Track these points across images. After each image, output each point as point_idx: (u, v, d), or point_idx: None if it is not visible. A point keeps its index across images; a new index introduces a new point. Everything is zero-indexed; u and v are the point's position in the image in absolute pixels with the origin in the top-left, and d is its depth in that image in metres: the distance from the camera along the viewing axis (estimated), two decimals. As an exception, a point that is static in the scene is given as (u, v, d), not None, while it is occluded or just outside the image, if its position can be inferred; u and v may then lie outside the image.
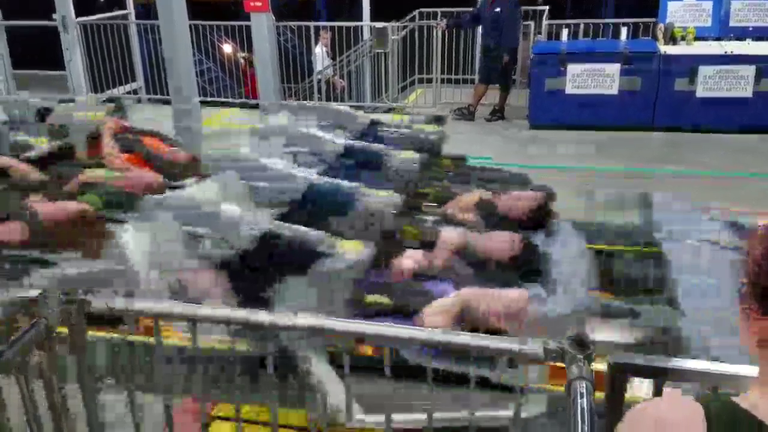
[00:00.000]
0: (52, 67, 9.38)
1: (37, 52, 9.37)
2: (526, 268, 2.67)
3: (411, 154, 3.76)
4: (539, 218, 3.03)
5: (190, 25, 7.80)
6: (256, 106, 9.04)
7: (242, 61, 10.25)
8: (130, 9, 9.64)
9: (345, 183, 3.31)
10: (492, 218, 3.07)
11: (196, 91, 7.90)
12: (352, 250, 2.64)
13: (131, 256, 2.70)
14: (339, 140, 3.91)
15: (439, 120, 4.51)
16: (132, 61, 9.51)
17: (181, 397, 2.16)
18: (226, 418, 2.48)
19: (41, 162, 3.98)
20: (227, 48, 10.03)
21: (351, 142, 3.96)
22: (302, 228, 2.80)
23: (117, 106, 4.82)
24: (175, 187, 3.68)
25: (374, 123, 4.33)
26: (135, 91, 9.51)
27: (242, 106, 9.44)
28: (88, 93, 9.06)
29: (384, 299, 2.51)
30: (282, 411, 2.10)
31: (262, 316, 1.85)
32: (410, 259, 2.69)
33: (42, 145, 4.19)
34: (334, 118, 4.30)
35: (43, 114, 4.62)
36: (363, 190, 3.20)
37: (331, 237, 2.74)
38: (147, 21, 9.35)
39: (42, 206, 3.29)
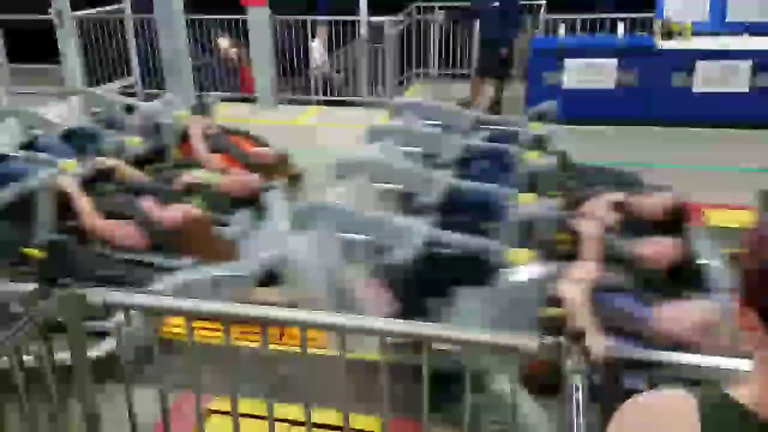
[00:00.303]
0: (48, 60, 9.33)
1: (33, 46, 9.31)
2: (686, 275, 2.55)
3: (540, 155, 3.58)
4: (677, 221, 2.87)
5: (186, 19, 7.78)
6: (252, 100, 9.01)
7: (233, 56, 10.15)
8: (126, 3, 9.58)
9: (488, 186, 3.13)
10: (628, 221, 2.92)
11: (193, 87, 7.89)
12: (525, 261, 2.50)
13: (299, 260, 2.59)
14: (457, 140, 3.74)
15: (542, 118, 4.40)
16: (128, 55, 9.46)
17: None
18: (223, 412, 2.48)
19: (138, 162, 3.98)
20: (223, 42, 9.95)
21: (468, 141, 3.79)
22: (467, 237, 2.65)
23: (201, 105, 4.82)
24: (268, 188, 3.66)
25: (480, 121, 4.20)
26: (131, 86, 9.47)
27: (239, 100, 9.40)
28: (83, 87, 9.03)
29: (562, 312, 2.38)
30: (277, 405, 2.10)
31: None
32: (584, 270, 2.50)
33: (134, 144, 4.18)
34: (441, 117, 4.11)
35: (128, 112, 4.61)
36: (509, 194, 3.04)
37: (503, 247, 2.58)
38: (143, 15, 9.28)
39: (160, 210, 3.30)
